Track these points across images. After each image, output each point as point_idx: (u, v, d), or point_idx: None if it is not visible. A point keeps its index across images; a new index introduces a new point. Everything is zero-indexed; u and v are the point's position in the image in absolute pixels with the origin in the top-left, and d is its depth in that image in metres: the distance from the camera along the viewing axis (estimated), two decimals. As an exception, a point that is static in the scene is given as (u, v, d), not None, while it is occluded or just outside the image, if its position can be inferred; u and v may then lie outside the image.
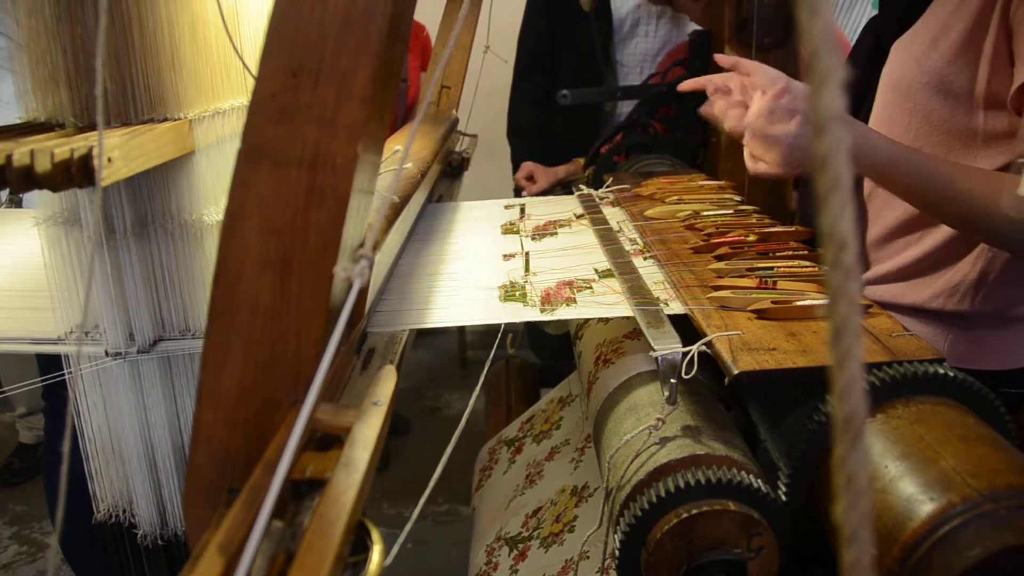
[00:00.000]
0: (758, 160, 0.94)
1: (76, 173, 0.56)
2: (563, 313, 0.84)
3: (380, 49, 0.47)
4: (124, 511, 0.90)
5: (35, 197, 0.77)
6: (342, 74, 0.47)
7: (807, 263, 0.90)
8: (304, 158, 0.46)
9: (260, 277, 0.45)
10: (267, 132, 0.47)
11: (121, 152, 0.61)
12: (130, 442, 0.87)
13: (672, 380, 0.71)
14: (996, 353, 1.01)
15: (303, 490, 0.41)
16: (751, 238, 0.99)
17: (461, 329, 3.11)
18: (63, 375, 0.87)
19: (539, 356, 2.36)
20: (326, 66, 0.47)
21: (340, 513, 0.36)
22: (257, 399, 0.45)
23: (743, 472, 0.67)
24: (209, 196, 0.82)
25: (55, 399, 1.78)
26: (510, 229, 1.23)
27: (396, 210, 0.79)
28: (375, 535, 0.40)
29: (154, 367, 0.85)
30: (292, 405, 0.45)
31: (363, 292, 0.54)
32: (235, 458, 0.46)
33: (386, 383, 0.48)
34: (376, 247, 0.62)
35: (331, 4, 0.46)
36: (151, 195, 0.80)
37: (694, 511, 0.65)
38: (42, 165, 0.54)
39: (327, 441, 0.44)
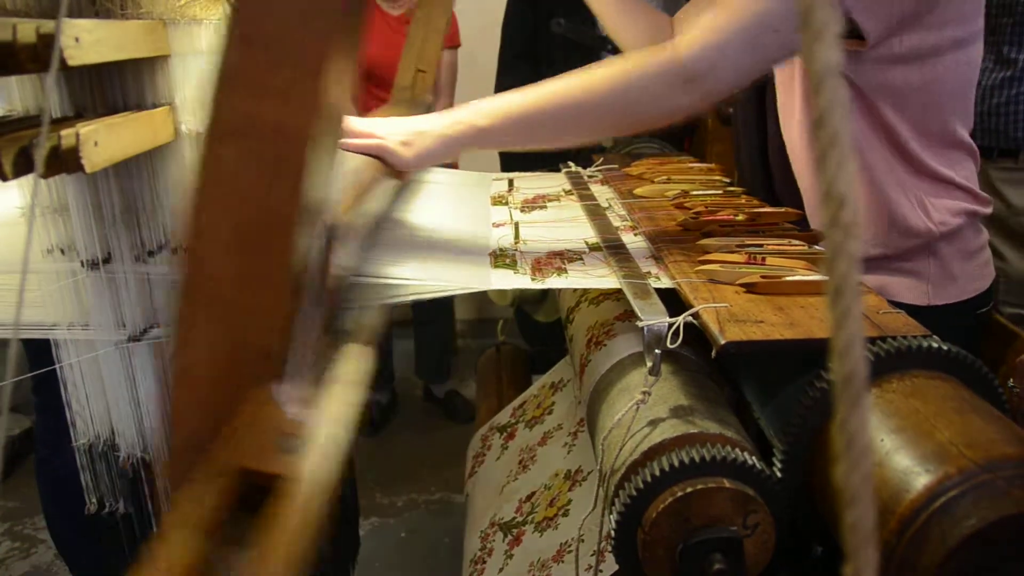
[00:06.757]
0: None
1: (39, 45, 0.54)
2: (554, 282, 0.84)
3: (338, 19, 0.45)
4: (117, 501, 0.89)
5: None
6: (298, 45, 0.46)
7: (797, 242, 0.90)
8: (265, 132, 0.45)
9: (224, 255, 0.44)
10: (228, 106, 0.45)
11: (92, 37, 0.60)
12: (124, 432, 0.86)
13: (657, 351, 0.70)
14: (967, 280, 1.03)
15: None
16: (740, 217, 0.99)
17: (452, 316, 3.09)
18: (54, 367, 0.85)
19: (529, 343, 2.35)
20: (282, 37, 0.46)
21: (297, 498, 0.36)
22: (227, 380, 0.44)
23: (737, 450, 0.67)
24: (186, 104, 0.80)
25: (45, 394, 1.74)
26: (499, 200, 1.22)
27: (366, 188, 0.78)
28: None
29: (146, 353, 0.84)
30: (258, 386, 0.44)
31: (334, 269, 0.53)
32: (210, 443, 0.45)
33: (355, 364, 0.47)
34: (346, 224, 0.61)
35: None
36: (140, 181, 0.78)
37: (689, 490, 0.64)
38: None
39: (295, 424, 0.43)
